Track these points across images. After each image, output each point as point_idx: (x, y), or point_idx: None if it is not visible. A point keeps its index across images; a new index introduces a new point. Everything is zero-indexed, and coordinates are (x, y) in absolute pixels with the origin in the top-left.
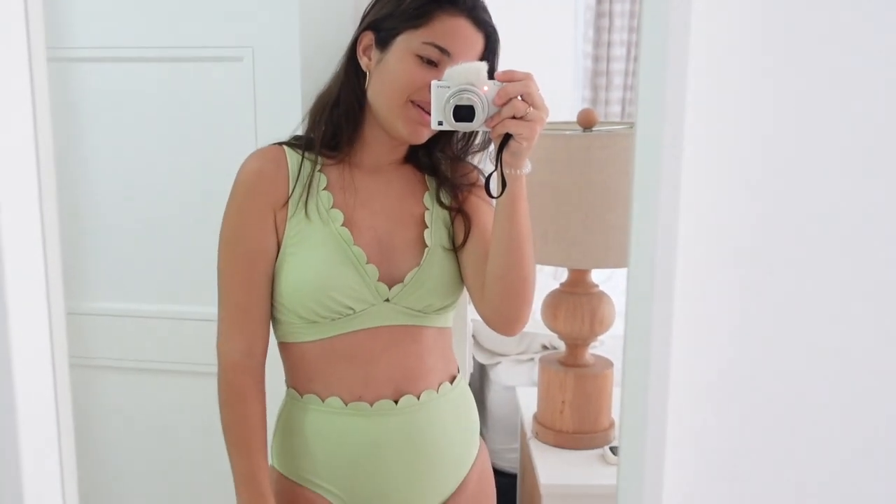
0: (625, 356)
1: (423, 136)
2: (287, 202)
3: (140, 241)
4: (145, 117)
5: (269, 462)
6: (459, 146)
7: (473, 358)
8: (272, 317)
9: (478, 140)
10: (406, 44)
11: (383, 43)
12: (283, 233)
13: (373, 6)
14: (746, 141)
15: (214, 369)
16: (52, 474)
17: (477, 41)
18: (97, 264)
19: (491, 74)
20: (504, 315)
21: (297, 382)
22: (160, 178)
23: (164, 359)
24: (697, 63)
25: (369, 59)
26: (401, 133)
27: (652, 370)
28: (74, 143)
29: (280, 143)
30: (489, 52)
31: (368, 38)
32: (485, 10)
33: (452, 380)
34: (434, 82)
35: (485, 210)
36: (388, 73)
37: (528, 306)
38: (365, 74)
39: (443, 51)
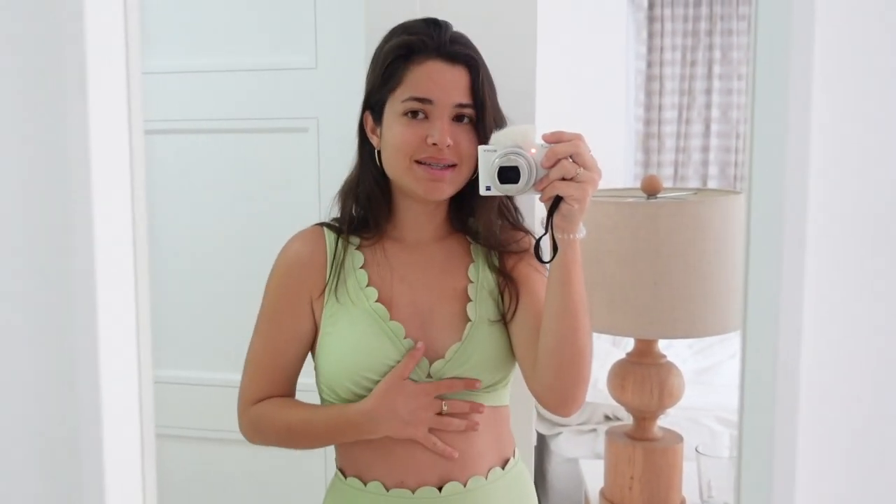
0: (741, 439)
1: (441, 192)
2: (324, 288)
3: (209, 310)
4: (214, 187)
5: None
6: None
7: (535, 429)
8: (320, 398)
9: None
10: (391, 108)
11: (378, 117)
12: (321, 316)
13: (365, 87)
14: (880, 202)
15: None
16: None
17: (457, 76)
18: (167, 331)
19: (484, 103)
20: (558, 393)
21: (342, 462)
22: (227, 247)
23: (224, 427)
24: (820, 120)
25: (377, 136)
26: (418, 194)
27: (776, 458)
28: (147, 212)
29: (321, 224)
30: (475, 81)
31: (368, 117)
32: (456, 40)
33: (505, 463)
34: (481, 147)
35: (537, 279)
36: (387, 143)
37: (584, 384)
38: (376, 152)
39: (422, 100)
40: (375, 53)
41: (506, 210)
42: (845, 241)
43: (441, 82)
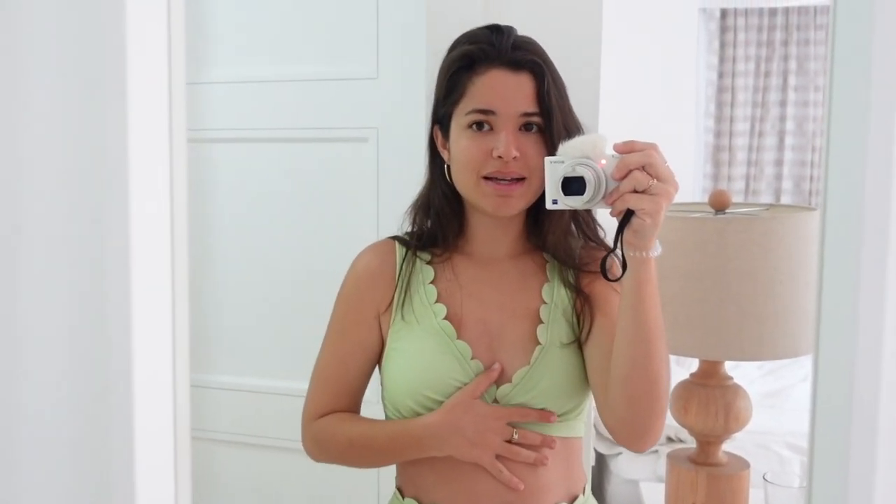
0: (811, 470)
1: (510, 207)
2: (391, 302)
3: (262, 317)
4: (272, 195)
5: None
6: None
7: (593, 448)
8: (384, 416)
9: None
10: (456, 121)
11: (446, 130)
12: (388, 331)
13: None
14: None
15: None
16: None
17: (521, 83)
18: (219, 338)
19: (551, 109)
20: (630, 427)
21: (402, 482)
22: (283, 256)
23: (278, 435)
24: None
25: (447, 150)
26: (488, 210)
27: (851, 487)
28: (205, 220)
29: (394, 237)
30: (541, 85)
31: (437, 131)
32: (520, 46)
33: (573, 500)
34: (547, 159)
35: (614, 300)
36: (456, 159)
37: (660, 418)
38: (446, 167)
39: (485, 112)
40: (441, 66)
41: (584, 225)
42: None
43: (504, 91)
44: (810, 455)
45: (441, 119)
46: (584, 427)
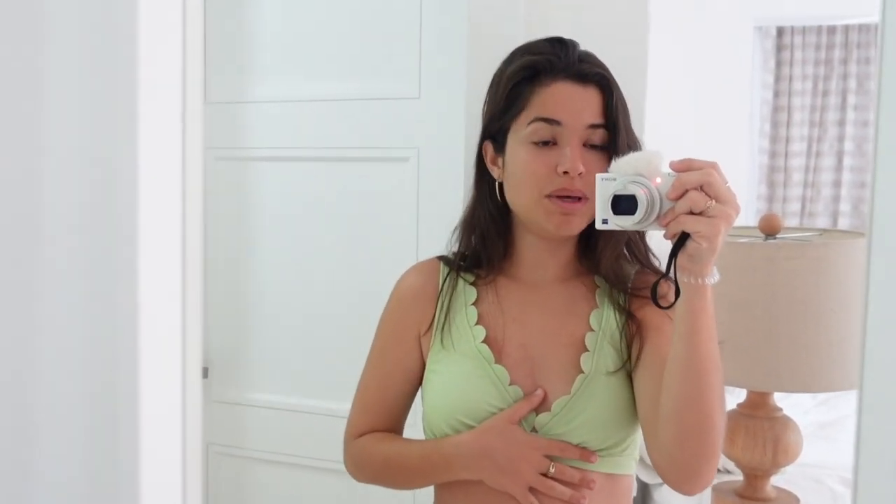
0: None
1: (572, 227)
2: (432, 322)
3: (303, 336)
4: (313, 214)
5: None
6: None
7: (636, 477)
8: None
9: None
10: (516, 135)
11: (500, 146)
12: (427, 352)
13: (483, 115)
14: None
15: None
16: None
17: (588, 97)
18: (262, 356)
19: (617, 123)
20: (680, 466)
21: None
22: (325, 275)
23: (319, 455)
24: None
25: (498, 167)
26: (549, 230)
27: None
28: (245, 239)
29: (440, 257)
30: (608, 99)
31: (489, 147)
32: (585, 59)
33: None
34: (598, 175)
35: (666, 328)
36: (513, 175)
37: (712, 459)
38: (496, 184)
39: (550, 121)
40: (495, 78)
41: (635, 248)
42: None
43: (570, 103)
44: (854, 493)
45: (495, 134)
46: (633, 465)
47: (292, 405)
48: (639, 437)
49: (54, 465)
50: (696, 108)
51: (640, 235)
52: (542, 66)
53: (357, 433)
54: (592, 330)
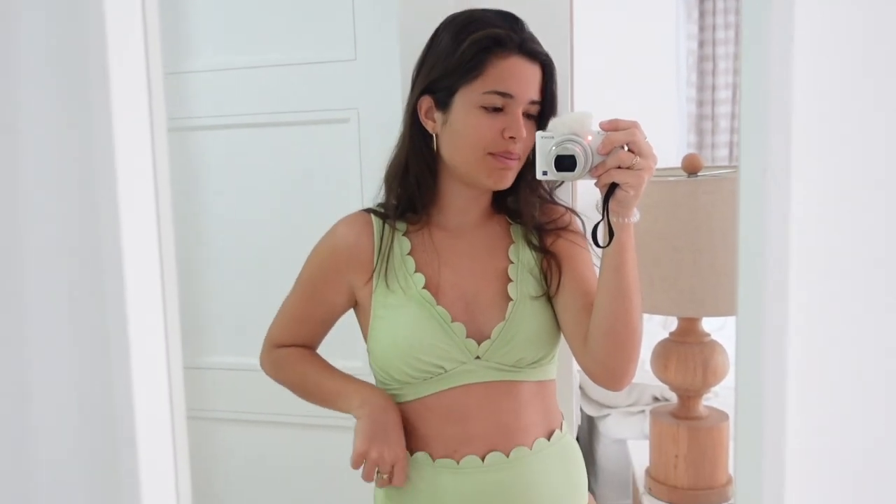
0: (737, 410)
1: (507, 181)
2: (371, 274)
3: (254, 298)
4: (258, 179)
5: None
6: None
7: (581, 410)
8: (375, 380)
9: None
10: (467, 98)
11: (443, 103)
12: (370, 301)
13: (420, 70)
14: (859, 178)
15: (329, 422)
16: None
17: (534, 74)
18: (214, 320)
19: (553, 101)
20: (611, 370)
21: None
22: (272, 237)
23: (281, 411)
24: (802, 97)
25: (433, 121)
26: (485, 184)
27: (766, 426)
28: (193, 206)
29: (368, 210)
30: (547, 80)
31: (427, 101)
32: (533, 40)
33: (551, 435)
34: (539, 133)
35: (578, 255)
36: (458, 132)
37: (636, 361)
38: (430, 137)
39: (504, 95)
40: (446, 39)
41: (541, 188)
42: (830, 212)
43: (522, 78)
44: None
45: (439, 90)
46: (555, 371)
47: (248, 365)
48: (565, 348)
49: (44, 418)
50: (623, 62)
51: None
52: (503, 39)
53: (277, 343)
54: (512, 262)
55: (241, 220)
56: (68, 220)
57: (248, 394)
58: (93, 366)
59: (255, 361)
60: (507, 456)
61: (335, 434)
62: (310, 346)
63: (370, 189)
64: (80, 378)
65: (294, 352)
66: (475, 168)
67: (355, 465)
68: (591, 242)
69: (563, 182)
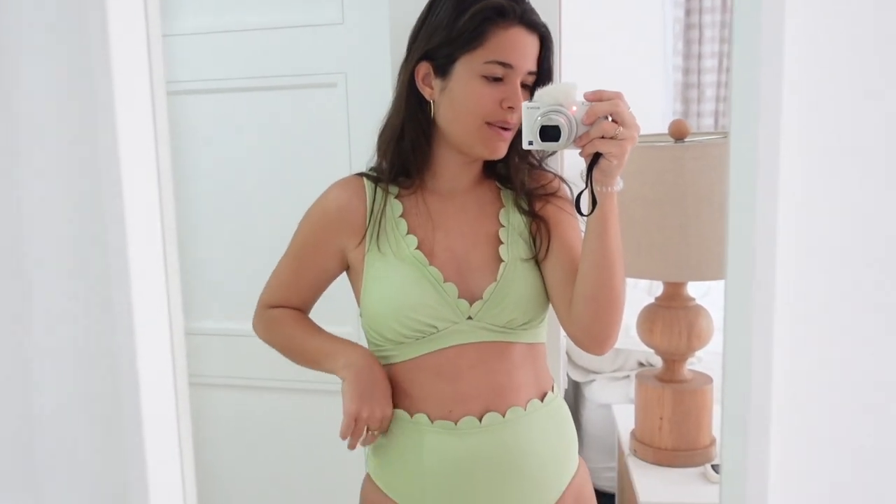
0: (724, 373)
1: (502, 152)
2: (364, 236)
3: (244, 263)
4: (246, 144)
5: (365, 471)
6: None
7: (567, 375)
8: (366, 341)
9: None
10: (468, 67)
11: (443, 70)
12: (363, 263)
13: (418, 36)
14: (847, 147)
15: (322, 386)
16: (174, 484)
17: (533, 45)
18: (205, 286)
19: (549, 71)
20: (593, 334)
21: (397, 402)
22: (260, 201)
23: (270, 376)
24: (793, 67)
25: (431, 88)
26: (480, 153)
27: (753, 388)
28: (180, 172)
29: (361, 174)
30: (545, 52)
31: (425, 67)
32: (533, 11)
33: (543, 396)
34: (525, 103)
35: (565, 221)
36: (457, 100)
37: (619, 325)
38: (426, 103)
39: (505, 65)
40: (445, 7)
41: (531, 155)
42: (818, 179)
43: (523, 49)
44: (724, 364)
45: (438, 57)
46: (545, 334)
47: (234, 330)
48: (549, 311)
49: (49, 394)
50: (610, 30)
51: None
52: (506, 10)
53: (270, 305)
54: (503, 226)
55: (227, 185)
56: (70, 179)
57: (239, 359)
58: (97, 315)
59: (245, 327)
60: (504, 416)
61: (326, 398)
62: (302, 310)
63: (358, 153)
64: (84, 328)
65: (284, 313)
66: (472, 137)
67: (346, 428)
68: (576, 210)
69: (553, 153)
